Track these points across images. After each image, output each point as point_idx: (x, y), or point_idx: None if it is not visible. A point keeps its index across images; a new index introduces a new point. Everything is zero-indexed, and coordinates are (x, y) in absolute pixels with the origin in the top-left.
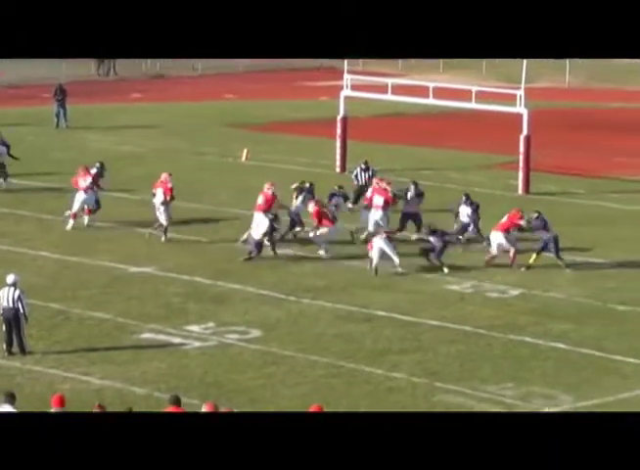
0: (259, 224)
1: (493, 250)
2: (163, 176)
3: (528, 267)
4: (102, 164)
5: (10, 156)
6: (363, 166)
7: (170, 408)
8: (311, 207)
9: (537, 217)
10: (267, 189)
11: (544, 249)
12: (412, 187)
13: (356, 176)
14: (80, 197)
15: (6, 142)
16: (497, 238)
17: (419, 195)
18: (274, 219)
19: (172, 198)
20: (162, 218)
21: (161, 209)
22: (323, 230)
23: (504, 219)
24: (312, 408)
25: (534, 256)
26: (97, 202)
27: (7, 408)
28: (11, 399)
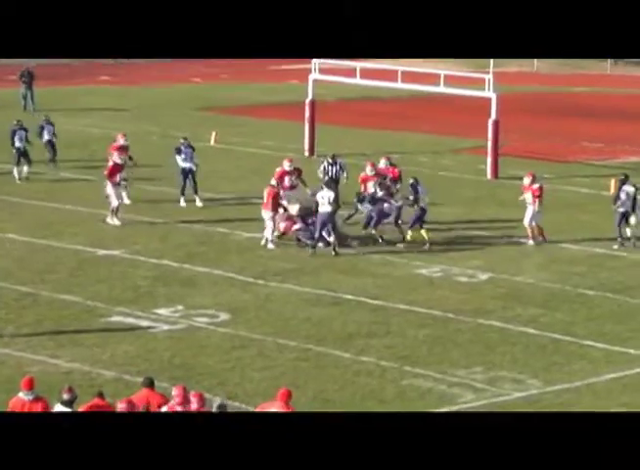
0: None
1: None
2: (118, 136)
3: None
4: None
5: (27, 142)
6: (330, 161)
7: (144, 391)
8: None
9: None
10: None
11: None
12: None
13: (324, 170)
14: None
15: (25, 127)
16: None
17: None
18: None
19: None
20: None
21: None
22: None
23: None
24: (281, 392)
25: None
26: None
27: None
28: None
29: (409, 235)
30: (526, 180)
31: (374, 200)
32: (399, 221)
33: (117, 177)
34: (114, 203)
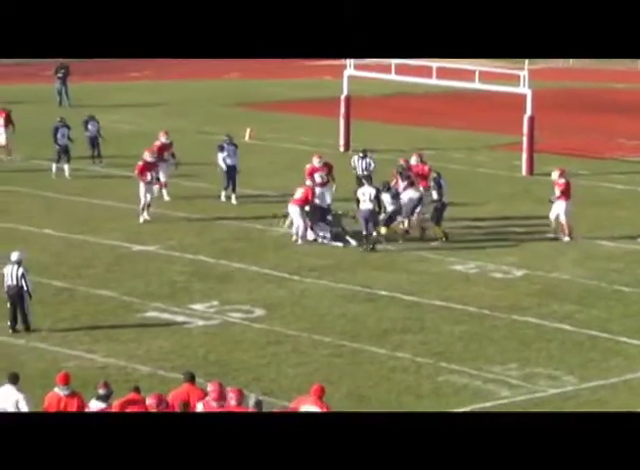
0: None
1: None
2: (160, 134)
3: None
4: (228, 137)
5: (69, 139)
6: (361, 155)
7: (185, 385)
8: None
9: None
10: None
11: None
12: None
13: (353, 165)
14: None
15: (67, 124)
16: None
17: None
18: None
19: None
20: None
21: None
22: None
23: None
24: (314, 388)
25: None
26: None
27: (10, 389)
28: (14, 379)
29: (437, 232)
30: (554, 175)
31: (396, 195)
32: (414, 214)
33: (148, 176)
34: (143, 200)
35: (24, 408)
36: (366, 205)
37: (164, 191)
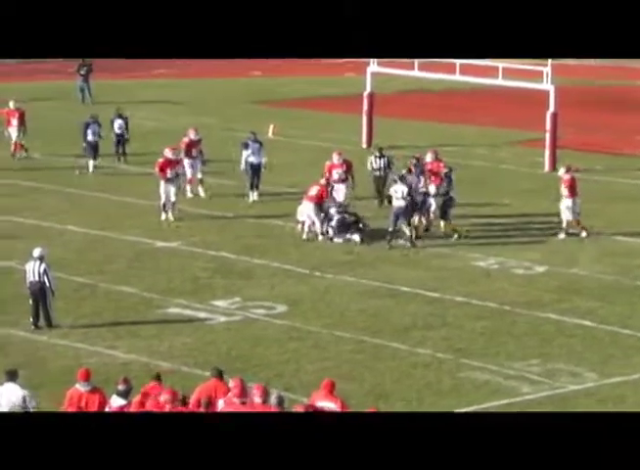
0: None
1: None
2: (189, 131)
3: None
4: (253, 134)
5: (99, 136)
6: (377, 154)
7: (213, 381)
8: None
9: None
10: None
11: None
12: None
13: (371, 164)
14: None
15: (98, 121)
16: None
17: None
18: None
19: (187, 152)
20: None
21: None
22: None
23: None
24: (324, 383)
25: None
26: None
27: (12, 386)
28: (12, 376)
29: (455, 228)
30: (561, 171)
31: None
32: (428, 211)
33: (168, 173)
34: (163, 197)
35: (32, 404)
36: (399, 202)
37: (188, 188)
